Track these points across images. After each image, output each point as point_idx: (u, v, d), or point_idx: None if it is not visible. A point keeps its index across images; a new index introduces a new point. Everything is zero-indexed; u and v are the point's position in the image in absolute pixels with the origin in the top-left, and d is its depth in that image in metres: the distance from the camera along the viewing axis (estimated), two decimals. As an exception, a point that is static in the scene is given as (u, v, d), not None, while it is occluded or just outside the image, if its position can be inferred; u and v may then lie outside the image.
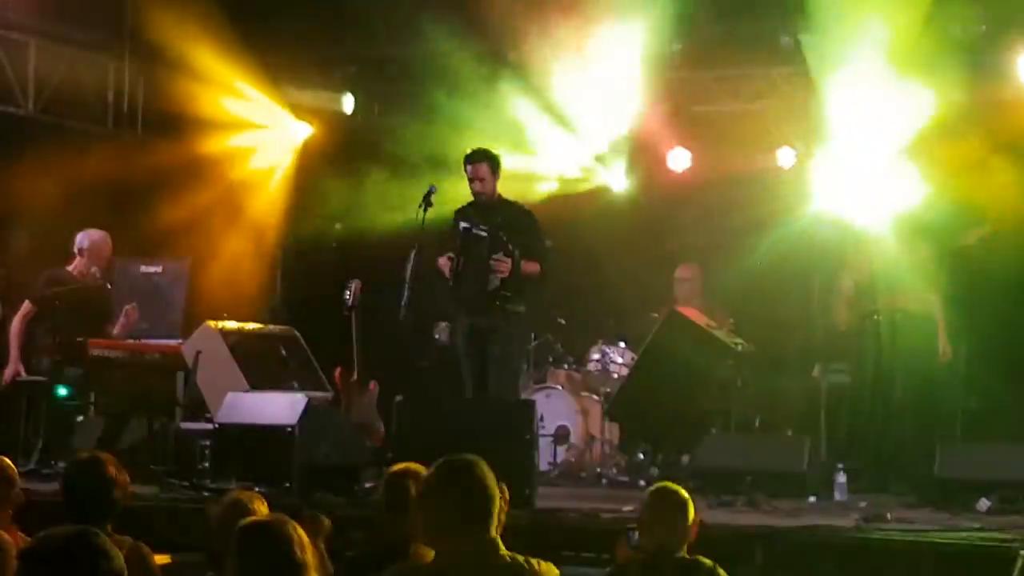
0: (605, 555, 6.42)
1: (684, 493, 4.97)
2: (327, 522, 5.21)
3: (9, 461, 5.36)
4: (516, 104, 11.43)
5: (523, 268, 8.61)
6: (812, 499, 8.12)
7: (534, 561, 3.94)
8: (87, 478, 4.80)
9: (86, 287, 9.53)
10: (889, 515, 7.18)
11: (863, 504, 7.78)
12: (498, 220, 8.76)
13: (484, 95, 11.30)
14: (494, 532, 3.92)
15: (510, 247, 8.57)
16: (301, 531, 3.74)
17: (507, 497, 4.17)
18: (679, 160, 11.68)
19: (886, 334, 9.11)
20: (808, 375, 10.11)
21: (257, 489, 7.55)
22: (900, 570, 6.46)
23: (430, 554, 4.02)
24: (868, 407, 9.28)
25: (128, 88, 11.87)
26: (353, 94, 12.29)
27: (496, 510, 3.94)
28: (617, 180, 12.02)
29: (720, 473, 8.39)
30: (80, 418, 9.90)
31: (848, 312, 9.42)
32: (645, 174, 11.77)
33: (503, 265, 8.55)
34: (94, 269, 9.62)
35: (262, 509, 4.75)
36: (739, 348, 9.51)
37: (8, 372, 9.57)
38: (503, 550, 3.91)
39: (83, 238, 9.66)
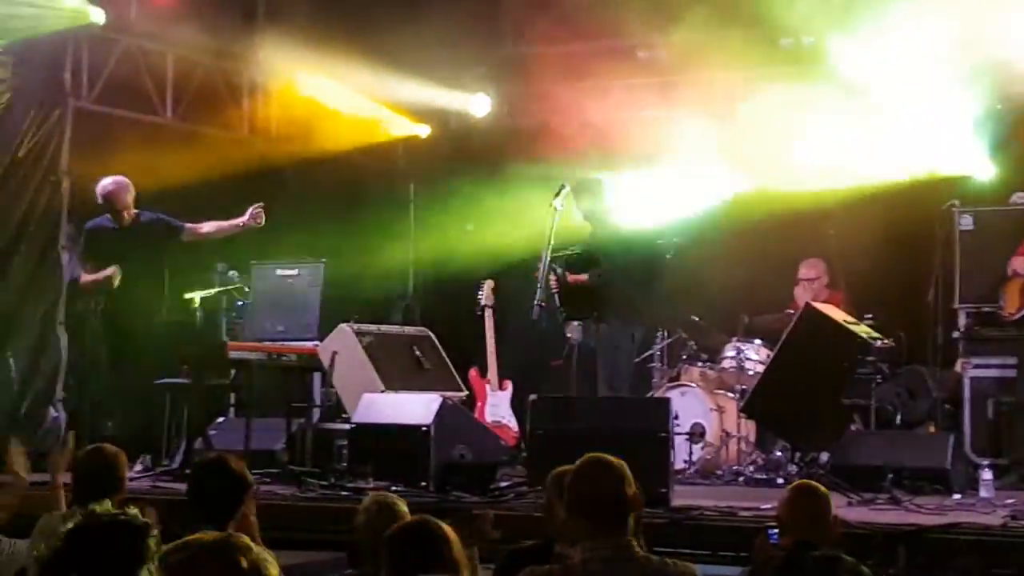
0: (743, 553, 6.36)
1: (824, 490, 4.89)
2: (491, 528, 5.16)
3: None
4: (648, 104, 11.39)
5: (568, 280, 9.48)
6: (957, 496, 7.94)
7: (669, 561, 3.93)
8: (214, 478, 4.84)
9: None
10: (1037, 513, 7.00)
11: (1010, 501, 7.58)
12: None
13: (616, 95, 11.27)
14: (631, 533, 3.91)
15: (554, 266, 9.35)
16: (451, 531, 3.78)
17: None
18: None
19: None
20: (950, 370, 9.88)
21: (393, 488, 7.66)
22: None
23: (573, 555, 4.03)
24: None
25: (261, 95, 12.04)
26: (487, 94, 12.34)
27: (632, 511, 3.93)
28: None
29: (860, 470, 8.25)
30: (221, 419, 10.10)
31: (1020, 299, 9.12)
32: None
33: (553, 281, 9.36)
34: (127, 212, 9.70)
35: (403, 508, 4.79)
36: (878, 343, 9.32)
37: None
38: (640, 551, 3.90)
39: (100, 191, 9.67)
